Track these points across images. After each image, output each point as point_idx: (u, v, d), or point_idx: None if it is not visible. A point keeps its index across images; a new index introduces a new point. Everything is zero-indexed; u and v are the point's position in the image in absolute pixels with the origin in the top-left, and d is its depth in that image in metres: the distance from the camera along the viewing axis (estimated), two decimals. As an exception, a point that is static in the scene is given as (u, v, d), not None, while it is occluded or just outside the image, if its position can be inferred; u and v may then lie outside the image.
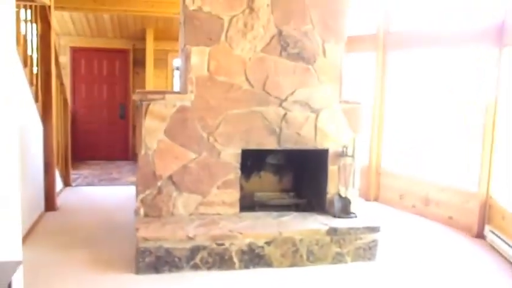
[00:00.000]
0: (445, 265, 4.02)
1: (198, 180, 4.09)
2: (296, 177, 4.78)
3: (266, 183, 4.71)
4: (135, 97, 4.07)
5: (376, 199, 6.14)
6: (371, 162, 6.14)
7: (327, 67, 4.25)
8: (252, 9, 4.05)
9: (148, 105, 3.92)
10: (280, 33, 4.12)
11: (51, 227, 4.69)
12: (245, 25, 4.06)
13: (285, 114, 4.19)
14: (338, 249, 3.91)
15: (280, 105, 4.17)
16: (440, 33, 5.26)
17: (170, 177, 4.04)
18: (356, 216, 4.17)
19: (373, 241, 3.99)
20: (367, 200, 6.09)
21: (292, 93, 4.18)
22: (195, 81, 4.01)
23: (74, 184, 6.65)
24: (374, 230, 3.99)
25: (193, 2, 3.95)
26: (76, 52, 8.69)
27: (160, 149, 4.00)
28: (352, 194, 4.36)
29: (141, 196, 4.02)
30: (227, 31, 4.03)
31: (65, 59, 8.52)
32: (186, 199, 4.09)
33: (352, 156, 4.31)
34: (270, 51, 4.13)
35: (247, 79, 4.09)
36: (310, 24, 4.17)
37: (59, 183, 5.92)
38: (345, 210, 4.23)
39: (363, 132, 4.45)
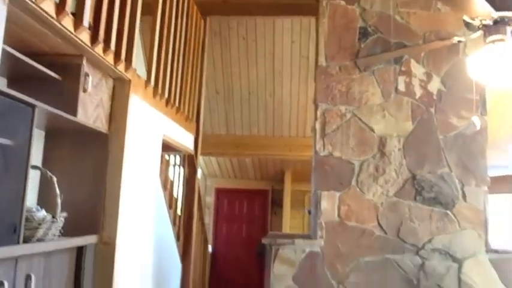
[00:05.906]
0: None
1: (327, 333, 3.81)
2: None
3: None
4: (264, 240, 4.11)
5: None
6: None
7: (468, 212, 3.90)
8: (383, 154, 4.02)
9: (278, 249, 3.92)
10: (414, 177, 3.97)
11: None
12: (376, 169, 4.01)
13: (422, 264, 3.84)
14: None
15: (417, 253, 3.85)
16: None
17: (298, 328, 3.84)
18: None
19: None
20: None
21: (429, 241, 3.86)
22: (324, 226, 3.95)
23: (207, 323, 6.69)
24: None
25: (323, 148, 4.07)
26: (220, 192, 9.35)
27: (288, 296, 3.88)
28: None
29: None
30: (358, 176, 4.01)
31: (210, 199, 9.19)
32: None
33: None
34: (404, 196, 3.95)
35: (379, 225, 3.92)
36: (446, 168, 3.97)
37: (194, 321, 6.00)
38: None
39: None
